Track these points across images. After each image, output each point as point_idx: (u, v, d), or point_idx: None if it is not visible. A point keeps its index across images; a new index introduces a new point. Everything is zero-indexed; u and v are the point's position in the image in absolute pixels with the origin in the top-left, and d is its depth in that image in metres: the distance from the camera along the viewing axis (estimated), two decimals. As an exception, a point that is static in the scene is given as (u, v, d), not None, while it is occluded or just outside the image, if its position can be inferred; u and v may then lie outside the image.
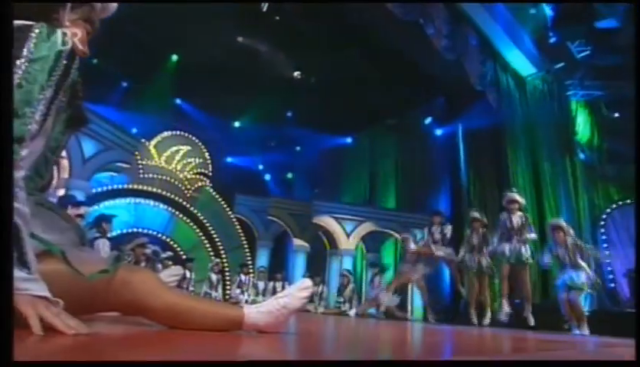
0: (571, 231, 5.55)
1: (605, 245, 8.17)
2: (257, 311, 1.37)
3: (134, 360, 0.79)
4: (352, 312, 7.54)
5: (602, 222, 8.36)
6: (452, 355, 1.49)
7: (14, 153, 0.92)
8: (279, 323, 1.40)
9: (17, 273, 0.91)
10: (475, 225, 6.15)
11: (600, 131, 8.93)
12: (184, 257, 9.42)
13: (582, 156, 8.72)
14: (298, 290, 1.43)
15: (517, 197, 5.84)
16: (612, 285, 7.89)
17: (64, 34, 1.05)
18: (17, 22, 1.00)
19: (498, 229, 5.79)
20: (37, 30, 1.01)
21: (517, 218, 5.63)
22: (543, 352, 1.90)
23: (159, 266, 7.10)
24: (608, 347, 2.73)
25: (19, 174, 0.94)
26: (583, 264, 5.23)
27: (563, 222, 5.59)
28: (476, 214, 6.26)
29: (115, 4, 1.28)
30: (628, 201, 8.30)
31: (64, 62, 1.03)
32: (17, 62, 0.96)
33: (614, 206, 8.43)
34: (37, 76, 0.98)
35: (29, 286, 0.92)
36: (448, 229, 6.53)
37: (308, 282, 1.48)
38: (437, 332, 3.45)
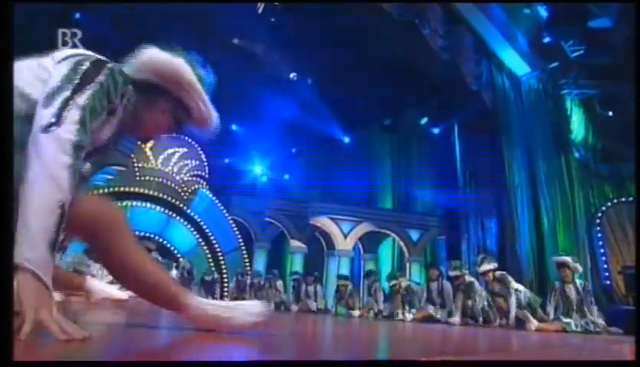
0: (579, 267, 5.17)
1: (600, 243, 8.23)
2: (204, 309, 1.32)
3: (130, 361, 0.79)
4: (356, 313, 7.54)
5: (598, 221, 8.41)
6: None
7: (77, 158, 1.04)
8: (215, 328, 1.34)
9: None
10: (456, 282, 5.88)
11: (594, 130, 8.97)
12: (180, 259, 9.40)
13: (577, 154, 8.76)
14: (248, 313, 1.36)
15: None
16: (608, 282, 7.95)
17: (126, 83, 1.30)
18: (96, 56, 1.23)
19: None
20: (109, 69, 1.23)
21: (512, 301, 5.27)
22: (542, 350, 1.90)
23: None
24: (606, 343, 2.75)
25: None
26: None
27: (568, 259, 5.19)
28: (457, 272, 5.94)
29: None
30: (623, 199, 8.37)
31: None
32: (89, 85, 1.13)
33: (609, 204, 8.48)
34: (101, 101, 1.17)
35: (31, 258, 0.92)
36: None
37: (260, 307, 1.40)
38: (433, 330, 3.46)
